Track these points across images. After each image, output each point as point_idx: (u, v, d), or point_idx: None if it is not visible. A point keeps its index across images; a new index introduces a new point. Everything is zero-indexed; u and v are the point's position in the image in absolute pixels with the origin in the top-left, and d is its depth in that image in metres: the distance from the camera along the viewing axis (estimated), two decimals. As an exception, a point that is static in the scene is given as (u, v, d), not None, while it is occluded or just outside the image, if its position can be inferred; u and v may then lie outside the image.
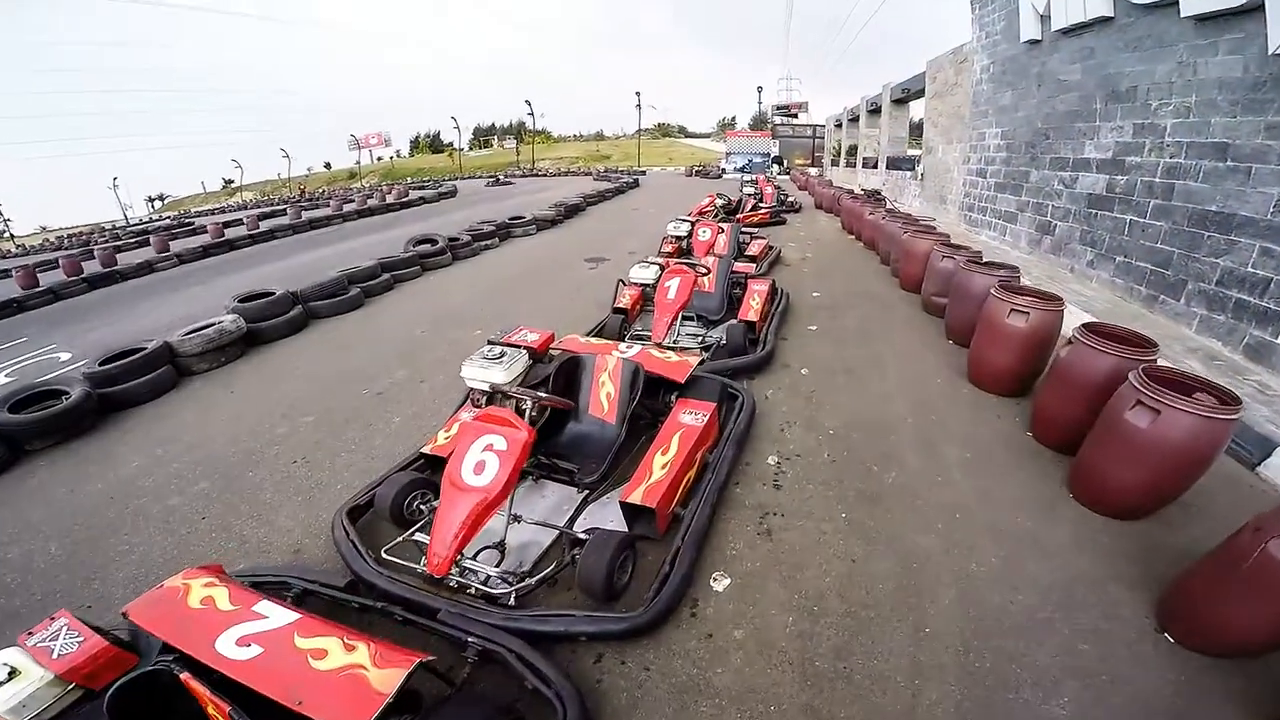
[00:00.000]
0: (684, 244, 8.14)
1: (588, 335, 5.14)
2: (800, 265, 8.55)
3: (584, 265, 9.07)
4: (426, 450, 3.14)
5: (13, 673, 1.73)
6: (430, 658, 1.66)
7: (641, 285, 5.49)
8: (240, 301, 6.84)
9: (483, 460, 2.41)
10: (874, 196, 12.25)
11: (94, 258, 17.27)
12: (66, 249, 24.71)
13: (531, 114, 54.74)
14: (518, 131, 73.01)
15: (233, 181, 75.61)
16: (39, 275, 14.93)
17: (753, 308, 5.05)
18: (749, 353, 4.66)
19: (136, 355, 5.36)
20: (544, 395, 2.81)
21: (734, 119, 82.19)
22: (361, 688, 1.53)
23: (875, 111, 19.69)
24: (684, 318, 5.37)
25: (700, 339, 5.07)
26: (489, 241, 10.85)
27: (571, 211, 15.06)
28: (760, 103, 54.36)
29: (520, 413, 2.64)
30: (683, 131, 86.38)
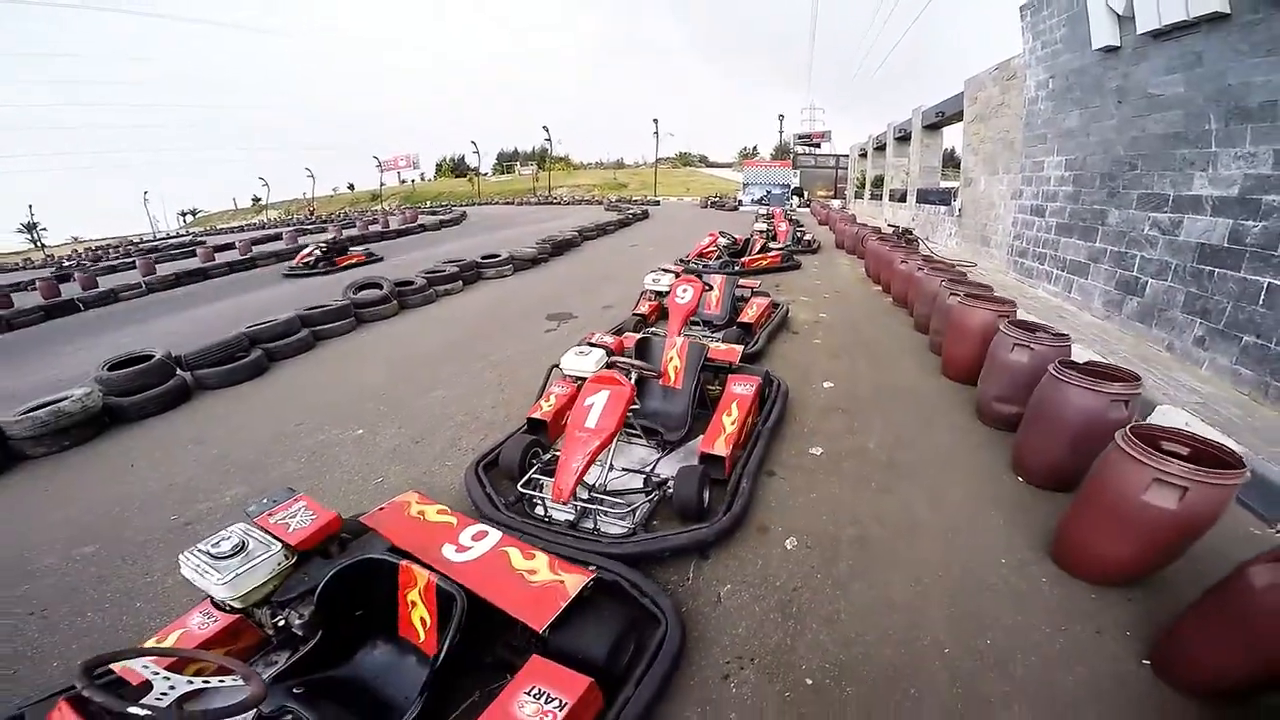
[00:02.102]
0: (664, 301, 6.58)
1: (478, 466, 3.38)
2: (812, 332, 6.78)
3: (544, 324, 7.45)
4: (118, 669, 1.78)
5: None
6: None
7: (578, 379, 3.92)
8: (109, 369, 5.62)
9: None
10: (905, 237, 10.49)
11: (74, 280, 16.77)
12: (79, 263, 24.84)
13: (549, 140, 54.73)
14: (539, 158, 73.18)
15: (260, 199, 77.57)
16: (13, 296, 14.39)
17: (725, 430, 3.28)
18: (707, 514, 2.86)
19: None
20: (229, 675, 1.44)
21: (755, 148, 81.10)
22: None
23: (904, 139, 17.98)
24: (628, 431, 3.73)
25: (644, 479, 3.18)
26: (450, 285, 9.36)
27: (560, 248, 13.58)
28: (782, 131, 52.86)
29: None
30: (703, 161, 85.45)
